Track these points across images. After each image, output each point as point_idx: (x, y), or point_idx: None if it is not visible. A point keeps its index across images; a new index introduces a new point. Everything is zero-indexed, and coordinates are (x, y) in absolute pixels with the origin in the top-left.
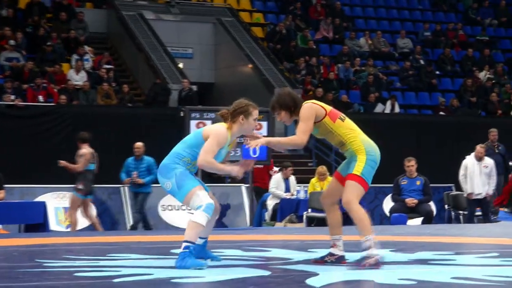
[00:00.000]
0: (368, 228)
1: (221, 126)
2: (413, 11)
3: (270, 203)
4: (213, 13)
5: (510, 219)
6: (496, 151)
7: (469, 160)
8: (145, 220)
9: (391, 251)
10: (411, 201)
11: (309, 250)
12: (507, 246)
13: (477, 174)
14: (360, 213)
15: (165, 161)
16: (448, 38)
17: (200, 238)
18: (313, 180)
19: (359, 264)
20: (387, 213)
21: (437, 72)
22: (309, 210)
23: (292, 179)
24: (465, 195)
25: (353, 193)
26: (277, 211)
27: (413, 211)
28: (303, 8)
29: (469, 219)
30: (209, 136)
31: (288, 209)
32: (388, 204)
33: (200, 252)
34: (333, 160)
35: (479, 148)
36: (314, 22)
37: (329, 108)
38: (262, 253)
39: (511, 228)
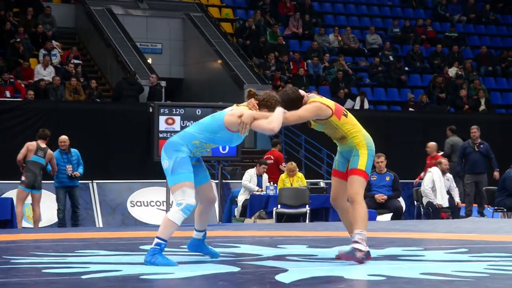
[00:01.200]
0: (365, 223)
1: (245, 108)
2: (383, 7)
3: (240, 198)
4: (182, 9)
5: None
6: (476, 149)
7: (436, 175)
8: (77, 216)
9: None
10: (380, 197)
11: (278, 246)
12: (475, 241)
13: (443, 187)
14: (362, 207)
15: (174, 139)
16: (417, 34)
17: (198, 231)
18: (283, 176)
19: (349, 256)
20: None
21: (406, 68)
22: (279, 206)
23: (265, 177)
24: (435, 203)
25: (360, 186)
26: (247, 207)
27: (382, 207)
28: (272, 3)
29: (437, 215)
30: (234, 122)
31: (258, 205)
32: None
33: (199, 247)
34: (303, 156)
35: (445, 161)
36: (284, 18)
37: (333, 105)
38: (232, 249)
39: (480, 224)
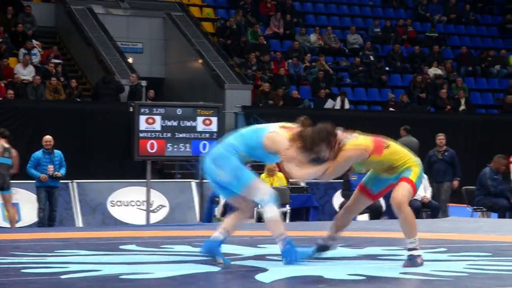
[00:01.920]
0: (415, 231)
1: (285, 138)
2: (363, 7)
3: (221, 198)
4: (163, 8)
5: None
6: (440, 157)
7: None
8: (53, 217)
9: (340, 246)
10: None
11: (258, 245)
12: (455, 241)
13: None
14: (409, 216)
15: (220, 150)
16: (398, 34)
17: (222, 232)
18: (263, 176)
19: (412, 262)
20: (337, 209)
21: (387, 68)
22: (259, 205)
23: None
24: (419, 198)
25: (405, 195)
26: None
27: None
28: (254, 3)
29: (417, 214)
30: (273, 148)
31: None
32: (338, 199)
33: (213, 248)
34: None
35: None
36: (265, 17)
37: (371, 143)
38: None
39: (459, 224)
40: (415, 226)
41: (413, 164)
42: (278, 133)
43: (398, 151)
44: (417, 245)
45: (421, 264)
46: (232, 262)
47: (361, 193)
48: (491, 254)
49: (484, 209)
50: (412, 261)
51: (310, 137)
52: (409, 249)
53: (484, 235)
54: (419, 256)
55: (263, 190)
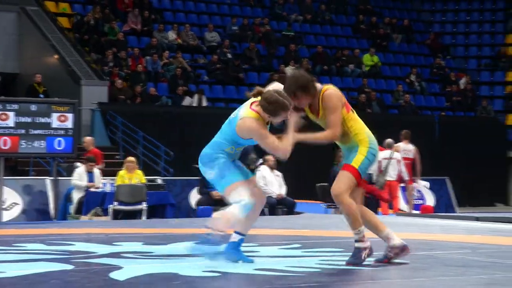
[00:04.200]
0: (359, 221)
1: (252, 121)
2: (221, 5)
3: (75, 196)
4: (17, 2)
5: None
6: None
7: (265, 171)
8: None
9: (195, 243)
10: (217, 193)
11: (113, 243)
12: (308, 237)
13: (275, 181)
14: (350, 207)
15: (206, 150)
16: (255, 33)
17: (237, 233)
18: (122, 172)
19: (355, 258)
20: (194, 206)
21: (244, 66)
22: (115, 203)
23: (96, 171)
24: (274, 196)
25: (345, 184)
26: (83, 204)
27: (219, 204)
28: None
29: (272, 211)
30: (246, 136)
31: (94, 202)
32: (194, 196)
33: (233, 250)
34: (141, 153)
35: (270, 157)
36: (122, 13)
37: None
38: (66, 247)
39: (313, 220)
40: (357, 217)
41: (364, 142)
42: (244, 120)
43: (358, 119)
44: (362, 237)
45: (363, 260)
46: (86, 260)
47: None
48: (343, 249)
49: (337, 206)
50: (354, 257)
51: (287, 86)
52: (355, 241)
53: (337, 231)
54: (365, 249)
55: (241, 194)
